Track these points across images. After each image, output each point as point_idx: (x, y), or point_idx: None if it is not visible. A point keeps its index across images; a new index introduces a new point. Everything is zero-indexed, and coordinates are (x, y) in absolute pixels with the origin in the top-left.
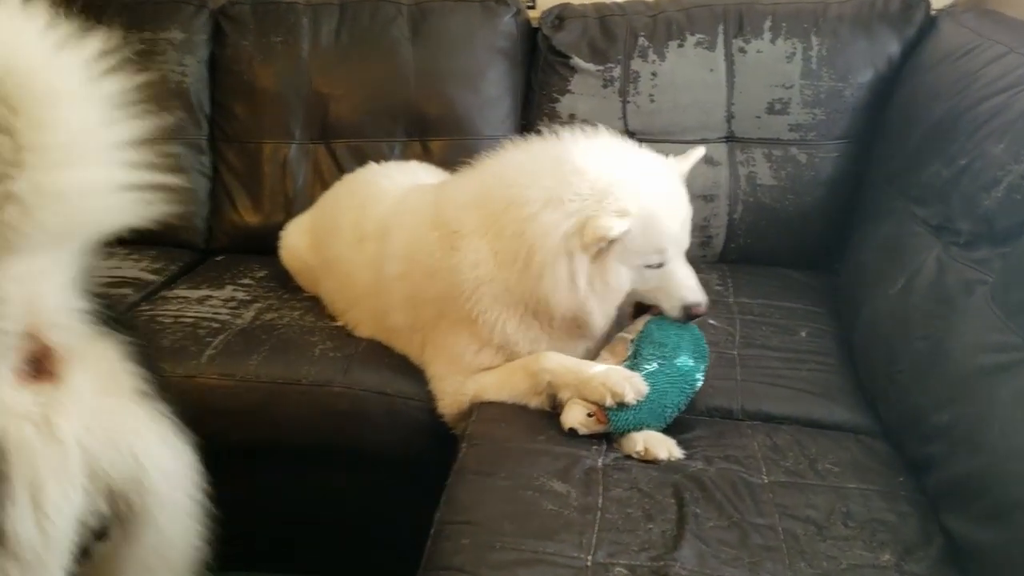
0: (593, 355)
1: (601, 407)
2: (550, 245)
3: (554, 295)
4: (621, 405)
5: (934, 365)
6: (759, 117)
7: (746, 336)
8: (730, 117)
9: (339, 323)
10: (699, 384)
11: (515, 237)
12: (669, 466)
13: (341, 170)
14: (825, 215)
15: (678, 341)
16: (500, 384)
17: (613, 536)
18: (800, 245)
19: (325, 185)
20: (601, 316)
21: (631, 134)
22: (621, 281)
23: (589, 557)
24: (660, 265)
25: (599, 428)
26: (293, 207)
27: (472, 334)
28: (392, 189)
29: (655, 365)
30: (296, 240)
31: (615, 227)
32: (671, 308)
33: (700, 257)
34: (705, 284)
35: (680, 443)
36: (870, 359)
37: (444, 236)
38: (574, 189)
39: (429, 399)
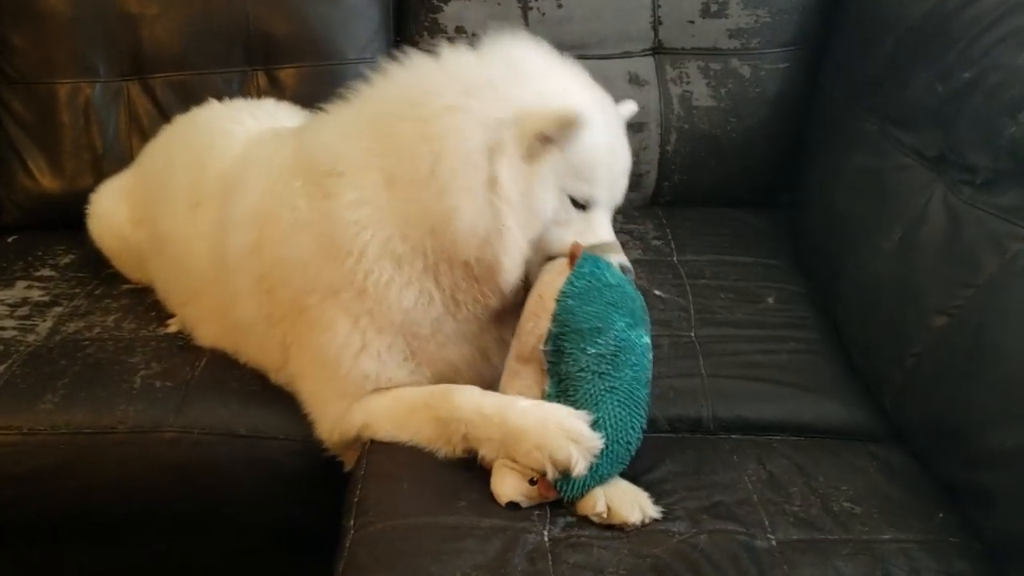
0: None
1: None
2: (467, 141)
3: (460, 216)
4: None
5: (972, 356)
6: (692, 22)
7: (702, 309)
8: (657, 23)
9: (172, 329)
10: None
11: (417, 144)
12: (643, 537)
13: (165, 115)
14: (774, 141)
15: (610, 313)
16: (397, 422)
17: None
18: (746, 179)
19: (145, 136)
20: (516, 252)
21: None
22: (546, 200)
23: None
24: (585, 206)
25: (549, 497)
26: (104, 166)
27: (351, 321)
28: (240, 136)
29: (599, 383)
30: (111, 209)
31: (566, 118)
32: None
33: (629, 201)
34: (641, 237)
35: (645, 483)
36: (864, 335)
37: (313, 182)
38: (508, 81)
39: (301, 434)
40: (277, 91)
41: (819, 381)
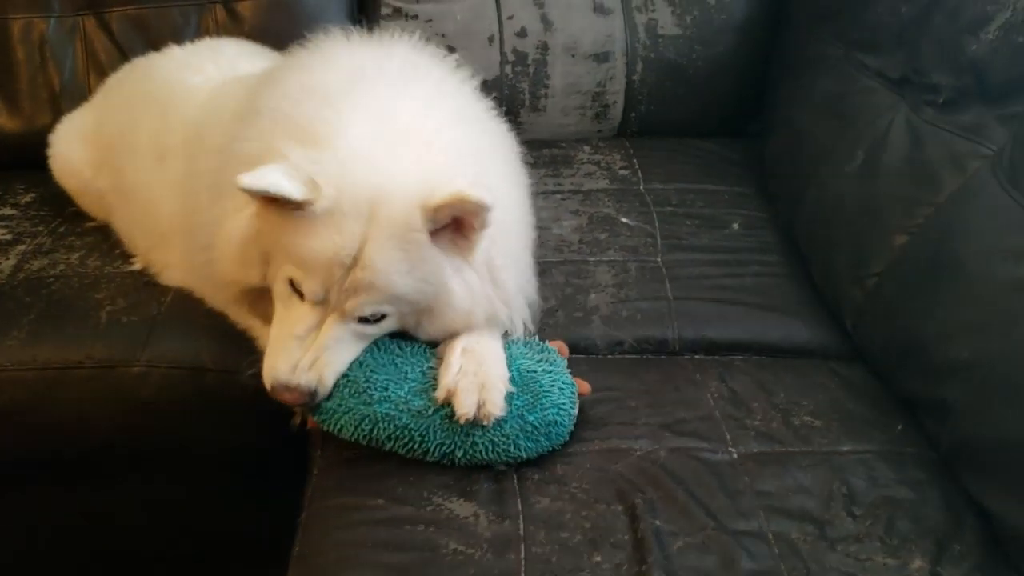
0: None
1: None
2: None
3: None
4: None
5: (933, 272)
6: None
7: (668, 235)
8: None
9: (137, 266)
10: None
11: None
12: (605, 454)
13: (122, 51)
14: (741, 70)
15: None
16: None
17: None
18: (712, 108)
19: (104, 72)
20: None
21: None
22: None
23: None
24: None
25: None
26: (63, 104)
27: None
28: (202, 85)
29: None
30: (72, 149)
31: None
32: None
33: (596, 132)
34: (608, 167)
35: (609, 401)
36: (826, 257)
37: None
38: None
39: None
40: (236, 24)
41: (783, 303)
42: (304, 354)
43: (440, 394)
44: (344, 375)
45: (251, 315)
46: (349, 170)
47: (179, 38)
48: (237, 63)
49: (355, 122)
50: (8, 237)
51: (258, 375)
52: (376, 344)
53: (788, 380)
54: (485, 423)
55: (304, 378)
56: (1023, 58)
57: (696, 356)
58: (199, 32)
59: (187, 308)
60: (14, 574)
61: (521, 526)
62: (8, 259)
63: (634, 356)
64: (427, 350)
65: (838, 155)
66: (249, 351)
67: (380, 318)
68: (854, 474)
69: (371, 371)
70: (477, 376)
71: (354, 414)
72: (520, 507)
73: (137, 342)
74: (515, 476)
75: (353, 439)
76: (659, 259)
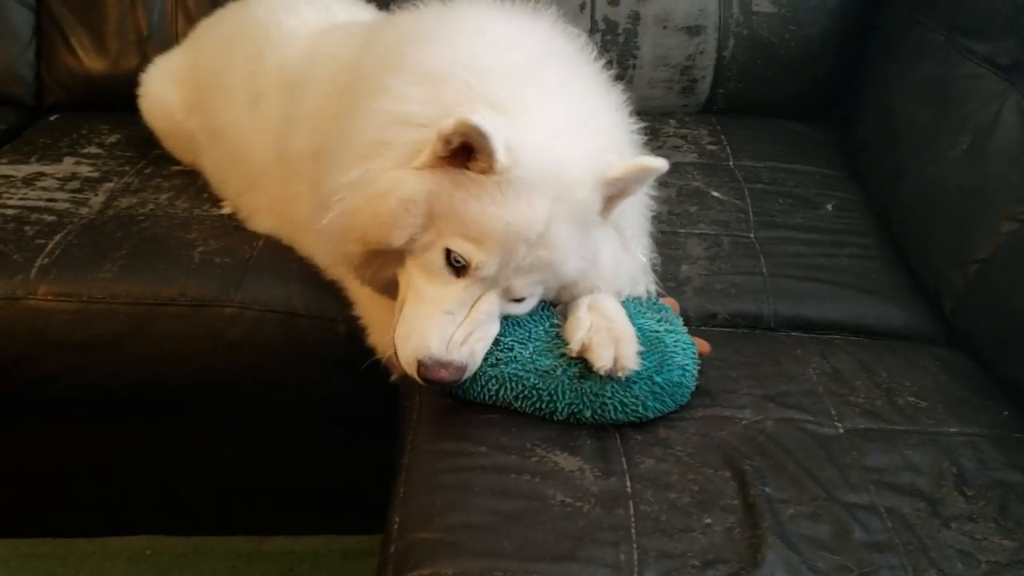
0: None
1: None
2: None
3: None
4: None
5: None
6: None
7: (761, 212)
8: None
9: (226, 211)
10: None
11: None
12: (708, 421)
13: (214, 0)
14: (832, 51)
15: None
16: None
17: (659, 544)
18: (802, 90)
19: (191, 18)
20: None
21: None
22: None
23: None
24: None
25: None
26: (149, 48)
27: None
28: (300, 30)
29: None
30: (164, 91)
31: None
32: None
33: (682, 107)
34: (695, 141)
35: (708, 370)
36: (925, 242)
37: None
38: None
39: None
40: None
41: (879, 285)
42: (456, 329)
43: (574, 347)
44: None
45: (354, 276)
46: (541, 145)
47: None
48: (332, 8)
49: (540, 101)
50: (95, 175)
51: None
52: None
53: (889, 361)
54: (620, 375)
55: (459, 354)
56: None
57: (793, 333)
58: None
59: (280, 253)
60: (94, 507)
61: (628, 483)
62: (97, 195)
63: (728, 329)
64: (548, 309)
65: (940, 140)
66: (341, 302)
67: (523, 300)
68: (963, 455)
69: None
70: (610, 331)
71: (480, 375)
72: (625, 465)
73: (230, 283)
74: (617, 435)
75: (478, 399)
76: (752, 235)
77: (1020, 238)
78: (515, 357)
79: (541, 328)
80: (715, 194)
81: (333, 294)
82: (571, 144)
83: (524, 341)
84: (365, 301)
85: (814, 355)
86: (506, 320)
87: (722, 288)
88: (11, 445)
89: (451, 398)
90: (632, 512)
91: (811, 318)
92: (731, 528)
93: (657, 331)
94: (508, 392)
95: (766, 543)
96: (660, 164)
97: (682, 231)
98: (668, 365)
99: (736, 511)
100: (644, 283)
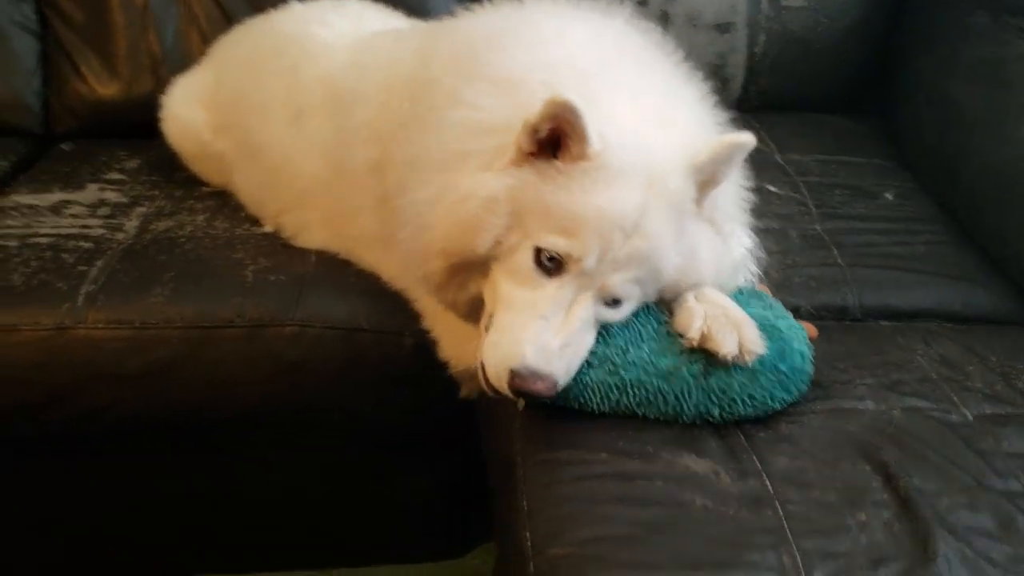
0: None
1: None
2: None
3: None
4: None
5: None
6: None
7: (821, 204)
8: None
9: (267, 228)
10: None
11: None
12: (830, 414)
13: (228, 18)
14: (866, 44)
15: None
16: None
17: (820, 544)
18: (836, 84)
19: (206, 38)
20: None
21: None
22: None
23: None
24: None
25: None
26: (164, 71)
27: None
28: (336, 41)
29: None
30: (189, 112)
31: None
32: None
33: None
34: None
35: (816, 366)
36: (1004, 225)
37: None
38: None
39: (423, 333)
40: None
41: (959, 270)
42: (553, 337)
43: (694, 336)
44: None
45: (437, 299)
46: (631, 131)
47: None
48: (364, 17)
49: (623, 95)
50: (124, 200)
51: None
52: None
53: (995, 344)
54: (748, 361)
55: (557, 365)
56: None
57: (881, 322)
58: None
59: (335, 268)
60: (142, 550)
61: (768, 483)
62: (131, 220)
63: (816, 321)
64: (652, 308)
65: (1005, 122)
66: (407, 315)
67: (620, 302)
68: None
69: (606, 337)
70: (728, 317)
71: (601, 385)
72: (759, 465)
73: (288, 301)
74: (740, 433)
75: (598, 411)
76: (818, 227)
77: None
78: (632, 361)
79: (650, 327)
80: (771, 188)
81: (398, 307)
82: (657, 134)
83: (638, 343)
84: (436, 312)
85: (916, 343)
86: (612, 326)
87: (801, 281)
88: (49, 491)
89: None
90: (781, 513)
91: (897, 306)
92: (889, 523)
93: (767, 317)
94: (631, 399)
95: (933, 536)
96: (747, 139)
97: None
98: (788, 351)
99: (889, 505)
100: (744, 273)
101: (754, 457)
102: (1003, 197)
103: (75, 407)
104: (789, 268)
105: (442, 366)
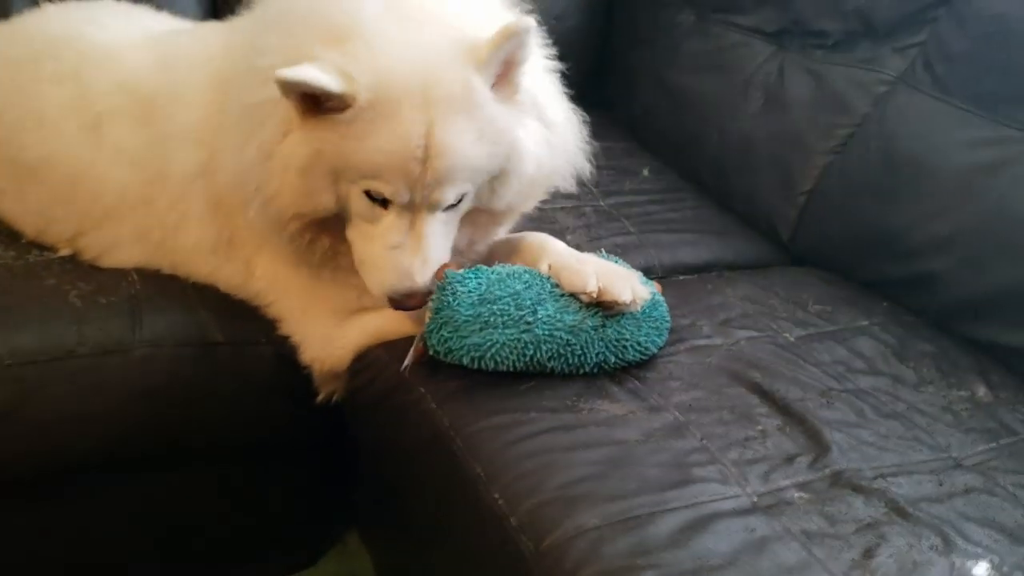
0: None
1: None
2: None
3: None
4: None
5: (886, 175)
6: None
7: (597, 184)
8: None
9: (65, 252)
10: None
11: None
12: (696, 350)
13: None
14: (589, 43)
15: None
16: (392, 327)
17: (740, 454)
18: (569, 80)
19: None
20: None
21: None
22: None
23: (744, 489)
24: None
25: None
26: None
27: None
28: (123, 42)
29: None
30: None
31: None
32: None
33: None
34: None
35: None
36: (751, 186)
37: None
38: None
39: (281, 338)
40: None
41: (723, 226)
42: (410, 258)
43: (592, 290)
44: (490, 303)
45: (308, 260)
46: (387, 56)
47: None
48: (134, 17)
49: (372, 8)
50: None
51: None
52: (499, 272)
53: (777, 282)
54: (638, 308)
55: (422, 278)
56: (904, 1)
57: (681, 276)
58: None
59: (166, 283)
60: None
61: (677, 414)
62: None
63: None
64: (535, 272)
65: (733, 100)
66: (259, 322)
67: (460, 199)
68: (883, 339)
69: (515, 297)
70: (614, 271)
71: (516, 342)
72: (662, 400)
73: (129, 323)
74: (633, 379)
75: (512, 368)
76: (603, 203)
77: (834, 166)
78: (541, 318)
79: (548, 286)
80: None
81: (247, 315)
82: (421, 39)
83: (543, 302)
84: (297, 314)
85: (722, 288)
86: (514, 284)
87: (609, 250)
88: None
89: (451, 381)
90: (699, 435)
91: (689, 262)
92: (782, 427)
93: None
94: (543, 353)
95: (819, 431)
96: (524, 23)
97: (547, 207)
98: (657, 301)
99: (774, 415)
100: (574, 162)
101: (655, 395)
102: (746, 163)
103: None
104: (596, 240)
105: (304, 369)
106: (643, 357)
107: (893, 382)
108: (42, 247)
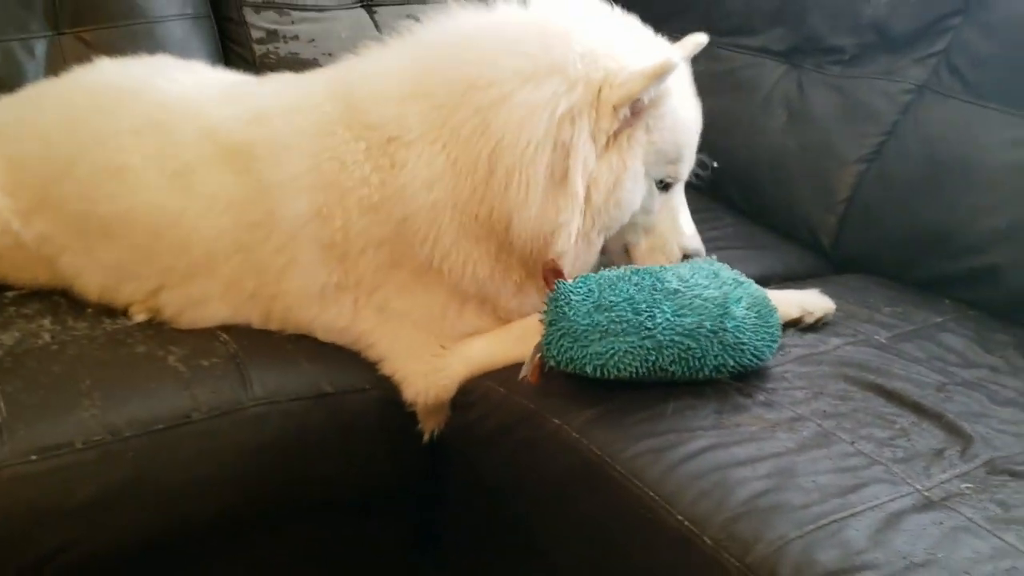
0: None
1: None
2: (530, 135)
3: (521, 218)
4: None
5: (929, 177)
6: None
7: None
8: None
9: (140, 317)
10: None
11: (476, 134)
12: (800, 361)
13: None
14: None
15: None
16: (496, 352)
17: (894, 454)
18: None
19: None
20: (579, 254)
21: None
22: (635, 193)
23: (913, 486)
24: (668, 186)
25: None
26: None
27: (445, 287)
28: (198, 94)
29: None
30: None
31: (651, 80)
32: (666, 255)
33: None
34: None
35: None
36: (788, 198)
37: (376, 146)
38: (569, 46)
39: (385, 382)
40: (94, 56)
41: (765, 241)
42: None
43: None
44: (607, 310)
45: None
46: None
47: (22, 74)
48: (196, 69)
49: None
50: None
51: None
52: (607, 276)
53: (840, 290)
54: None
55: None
56: (920, 13)
57: None
58: (49, 67)
59: (259, 339)
60: None
61: (819, 423)
62: None
63: None
64: (639, 269)
65: (755, 118)
66: (360, 366)
67: None
68: (960, 333)
69: (631, 301)
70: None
71: (640, 348)
72: (798, 411)
73: (238, 383)
74: (761, 392)
75: (636, 374)
76: None
77: (871, 173)
78: (661, 324)
79: (656, 284)
80: None
81: (350, 363)
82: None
83: (657, 302)
84: (398, 351)
85: None
86: (628, 289)
87: None
88: None
89: (581, 412)
90: (848, 440)
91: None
92: (918, 424)
93: (748, 282)
94: (664, 359)
95: (956, 424)
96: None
97: None
98: (771, 308)
99: (907, 413)
100: None
101: (788, 405)
102: (777, 177)
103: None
104: None
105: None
106: (759, 362)
107: (992, 372)
108: (112, 314)
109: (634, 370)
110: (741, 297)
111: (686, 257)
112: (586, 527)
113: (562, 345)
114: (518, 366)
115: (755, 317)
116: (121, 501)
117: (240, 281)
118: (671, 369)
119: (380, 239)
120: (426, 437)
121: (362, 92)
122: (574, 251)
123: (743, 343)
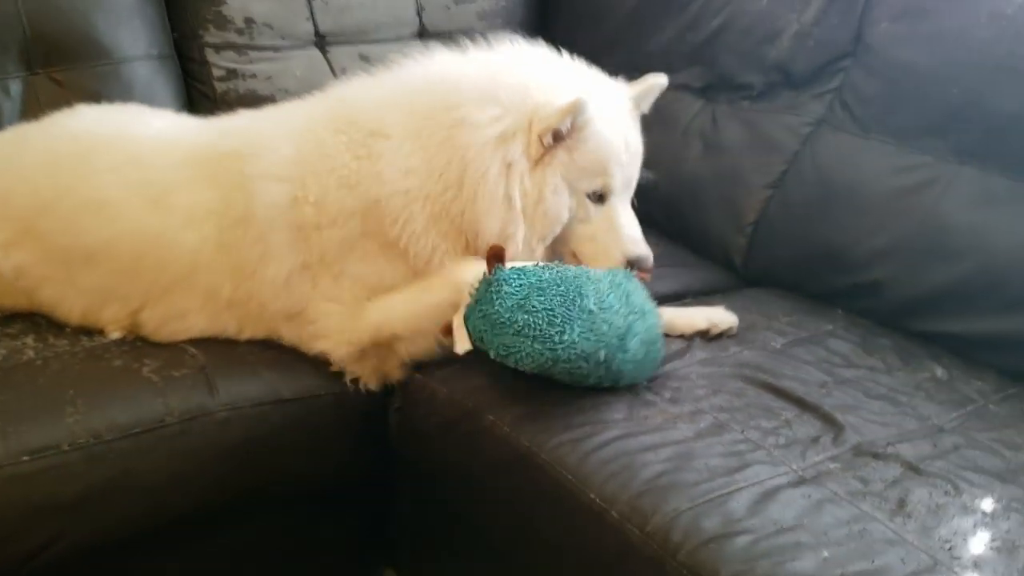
0: None
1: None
2: (485, 160)
3: (485, 223)
4: None
5: (821, 202)
6: (448, 8)
7: None
8: (420, 9)
9: (116, 335)
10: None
11: (446, 144)
12: (704, 364)
13: None
14: None
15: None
16: (410, 308)
17: (777, 440)
18: None
19: None
20: (525, 255)
21: (321, 36)
22: (559, 205)
23: (790, 466)
24: (602, 198)
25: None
26: None
27: (407, 264)
28: (175, 131)
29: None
30: None
31: (566, 114)
32: (608, 260)
33: None
34: None
35: None
36: (704, 221)
37: (357, 140)
38: (513, 85)
39: (339, 388)
40: (66, 95)
41: (684, 259)
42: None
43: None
44: (527, 313)
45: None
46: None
47: None
48: (176, 118)
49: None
50: None
51: None
52: (543, 277)
53: (747, 303)
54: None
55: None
56: (816, 55)
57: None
58: (25, 105)
59: (225, 351)
60: None
61: (716, 415)
62: None
63: None
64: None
65: (675, 148)
66: (317, 373)
67: None
68: (847, 339)
69: (549, 313)
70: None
71: (539, 355)
72: (698, 406)
73: (203, 390)
74: (669, 390)
75: (526, 371)
76: None
77: (775, 199)
78: (566, 342)
79: (577, 302)
80: None
81: (305, 371)
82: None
83: (570, 321)
84: (331, 314)
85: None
86: (551, 293)
87: None
88: None
89: (515, 406)
90: (739, 430)
91: (665, 292)
92: (800, 416)
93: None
94: (557, 370)
95: (831, 415)
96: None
97: None
98: (659, 345)
99: (791, 407)
100: None
101: (690, 401)
102: (695, 202)
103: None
104: None
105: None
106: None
107: (870, 371)
108: (90, 333)
109: (527, 368)
110: (638, 333)
111: (630, 263)
112: (516, 507)
113: (478, 324)
114: (461, 367)
115: (643, 355)
116: (105, 497)
117: (218, 290)
118: (559, 378)
119: (352, 211)
120: (368, 384)
121: (347, 97)
122: (520, 258)
123: (623, 374)
